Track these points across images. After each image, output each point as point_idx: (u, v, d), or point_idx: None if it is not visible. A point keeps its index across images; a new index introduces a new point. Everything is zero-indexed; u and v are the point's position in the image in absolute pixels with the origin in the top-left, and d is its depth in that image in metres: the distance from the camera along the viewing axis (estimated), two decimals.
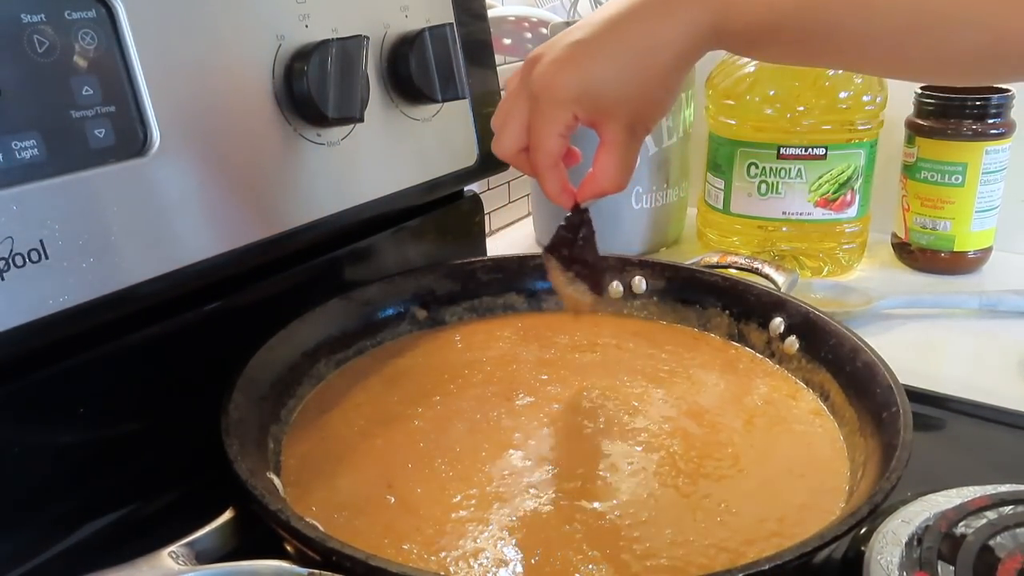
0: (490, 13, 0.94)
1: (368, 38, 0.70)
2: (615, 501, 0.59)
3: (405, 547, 0.55)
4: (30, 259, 0.52)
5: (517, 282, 0.86)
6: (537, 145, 0.64)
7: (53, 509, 0.59)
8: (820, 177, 1.09)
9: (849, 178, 1.10)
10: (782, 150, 1.09)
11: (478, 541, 0.55)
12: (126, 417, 0.64)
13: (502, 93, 0.96)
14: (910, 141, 1.13)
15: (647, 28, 0.58)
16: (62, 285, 0.54)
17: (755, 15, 0.56)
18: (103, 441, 0.62)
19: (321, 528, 0.50)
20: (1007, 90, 1.07)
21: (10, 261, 0.51)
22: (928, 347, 0.97)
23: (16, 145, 0.52)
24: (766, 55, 0.62)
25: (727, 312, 0.81)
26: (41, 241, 0.53)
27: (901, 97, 1.11)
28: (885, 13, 0.52)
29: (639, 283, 0.85)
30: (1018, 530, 0.55)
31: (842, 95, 1.07)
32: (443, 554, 0.54)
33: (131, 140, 0.58)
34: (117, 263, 0.57)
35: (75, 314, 0.55)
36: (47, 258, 0.53)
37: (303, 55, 0.67)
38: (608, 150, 0.63)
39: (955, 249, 1.13)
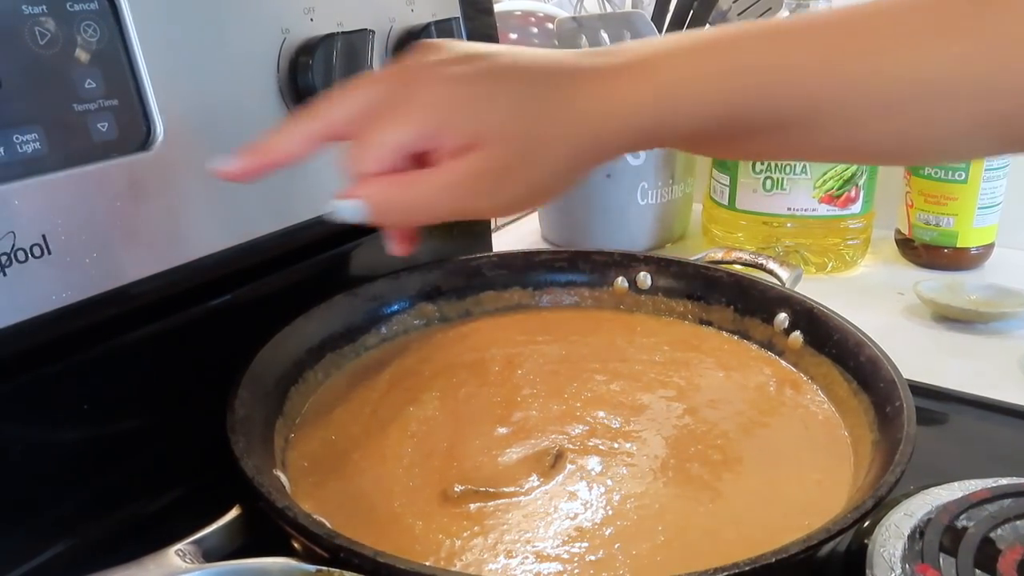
0: (496, 7, 0.94)
1: (374, 32, 0.70)
2: (618, 496, 0.59)
3: (414, 546, 0.55)
4: (32, 254, 0.52)
5: (523, 278, 0.86)
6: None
7: (58, 507, 0.59)
8: (825, 173, 1.09)
9: (853, 175, 1.10)
10: None
11: (487, 539, 0.55)
12: (131, 414, 0.63)
13: None
14: None
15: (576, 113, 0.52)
16: (65, 280, 0.54)
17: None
18: (108, 438, 0.62)
19: (329, 525, 0.49)
20: None
21: (12, 256, 0.51)
22: None
23: (17, 139, 0.51)
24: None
25: (732, 307, 0.81)
26: (43, 236, 0.53)
27: None
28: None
29: (644, 279, 0.85)
30: (1018, 522, 0.55)
31: None
32: (451, 552, 0.54)
33: (134, 134, 0.58)
34: (120, 258, 0.57)
35: (78, 310, 0.55)
36: (49, 253, 0.53)
37: (308, 49, 0.67)
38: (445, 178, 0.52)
39: (958, 245, 1.13)
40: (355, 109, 0.53)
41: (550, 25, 1.07)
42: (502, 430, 0.67)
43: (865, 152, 0.59)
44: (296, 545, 0.50)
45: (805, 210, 1.11)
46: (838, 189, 1.10)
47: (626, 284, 0.86)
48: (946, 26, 0.48)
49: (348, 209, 0.53)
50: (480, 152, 0.51)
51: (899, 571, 0.53)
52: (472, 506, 0.58)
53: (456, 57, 0.53)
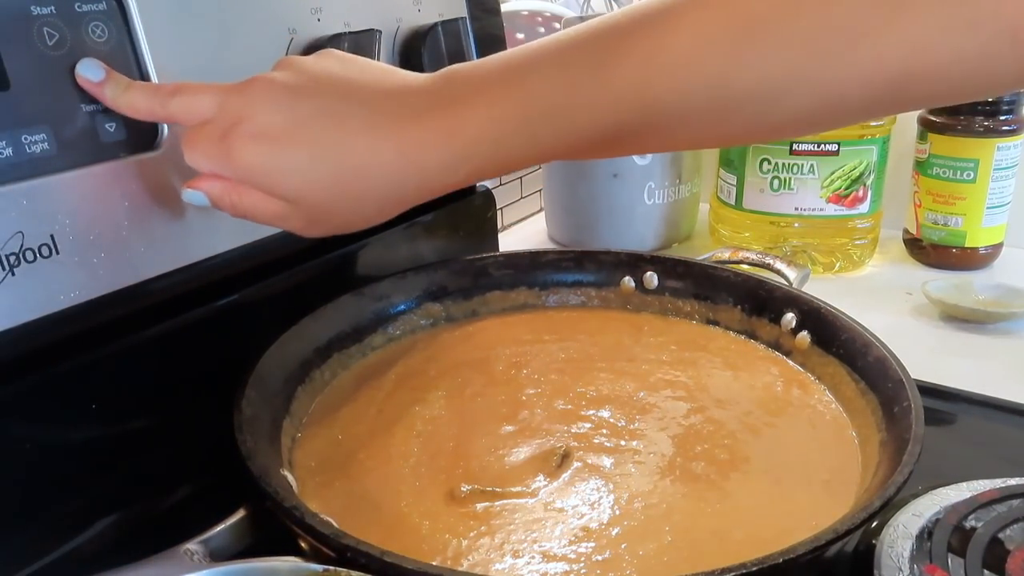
0: (503, 7, 0.94)
1: (380, 32, 0.70)
2: (625, 495, 0.59)
3: (421, 545, 0.55)
4: (40, 254, 0.52)
5: (529, 278, 0.86)
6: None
7: (66, 506, 0.59)
8: (832, 173, 1.09)
9: (861, 174, 1.09)
10: (795, 146, 1.09)
11: (494, 539, 0.55)
12: (138, 414, 0.63)
13: None
14: (922, 137, 1.12)
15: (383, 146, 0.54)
16: (73, 280, 0.54)
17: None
18: (116, 438, 0.62)
19: (335, 524, 0.49)
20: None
21: (20, 256, 0.51)
22: None
23: (26, 139, 0.52)
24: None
25: (739, 307, 0.81)
26: (51, 236, 0.53)
27: None
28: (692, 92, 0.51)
29: (651, 278, 0.85)
30: None
31: None
32: (458, 552, 0.54)
33: (142, 134, 0.58)
34: (128, 258, 0.57)
35: (86, 310, 0.55)
36: (57, 253, 0.53)
37: (315, 49, 0.66)
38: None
39: (966, 245, 1.13)
40: (198, 115, 0.55)
41: (557, 25, 1.08)
42: (508, 429, 0.67)
43: (707, 143, 0.62)
44: (303, 545, 0.50)
45: (813, 210, 1.11)
46: (846, 189, 1.10)
47: (633, 284, 0.86)
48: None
49: (192, 197, 0.56)
50: (286, 204, 0.55)
51: (907, 572, 0.53)
52: (479, 506, 0.58)
53: (288, 87, 0.54)
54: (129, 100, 0.55)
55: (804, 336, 0.75)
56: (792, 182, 1.10)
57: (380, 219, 0.58)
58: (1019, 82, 0.48)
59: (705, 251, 0.91)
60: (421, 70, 0.75)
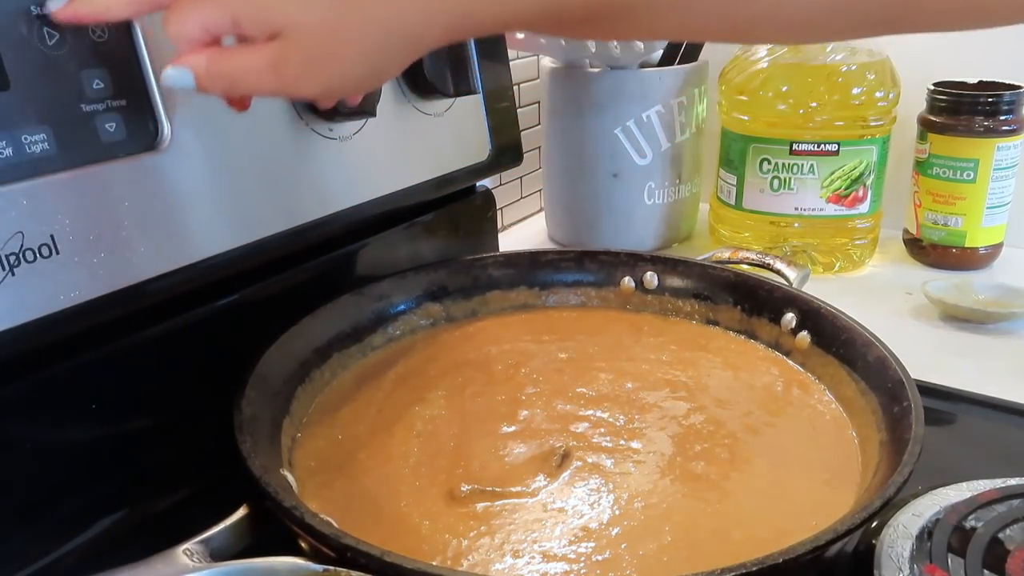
0: None
1: None
2: (625, 495, 0.59)
3: (421, 545, 0.55)
4: (40, 254, 0.52)
5: (529, 277, 0.86)
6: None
7: (66, 506, 0.59)
8: (832, 173, 1.09)
9: (861, 174, 1.09)
10: (795, 146, 1.08)
11: (494, 539, 0.55)
12: (138, 413, 0.63)
13: (515, 88, 0.96)
14: (922, 137, 1.12)
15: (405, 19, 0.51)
16: (73, 280, 0.54)
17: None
18: (116, 438, 0.62)
19: (335, 524, 0.50)
20: (1019, 87, 1.07)
21: (20, 256, 0.51)
22: None
23: (26, 139, 0.52)
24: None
25: (739, 307, 0.81)
26: (52, 236, 0.53)
27: (914, 93, 1.11)
28: None
29: (651, 278, 0.85)
30: None
31: (855, 91, 1.06)
32: (458, 552, 0.54)
33: (142, 134, 0.58)
34: (128, 258, 0.57)
35: (86, 310, 0.55)
36: (57, 253, 0.53)
37: None
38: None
39: (966, 245, 1.13)
40: None
41: None
42: (508, 429, 0.67)
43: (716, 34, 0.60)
44: (303, 544, 0.50)
45: (812, 210, 1.11)
46: (846, 189, 1.10)
47: (633, 284, 0.86)
48: None
49: (176, 76, 0.52)
50: (281, 42, 0.50)
51: (907, 571, 0.53)
52: (479, 506, 0.58)
53: None
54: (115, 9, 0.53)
55: (804, 336, 0.75)
56: (792, 182, 1.10)
57: (383, 65, 0.53)
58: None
59: (705, 251, 0.91)
60: (421, 70, 0.75)
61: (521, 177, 1.34)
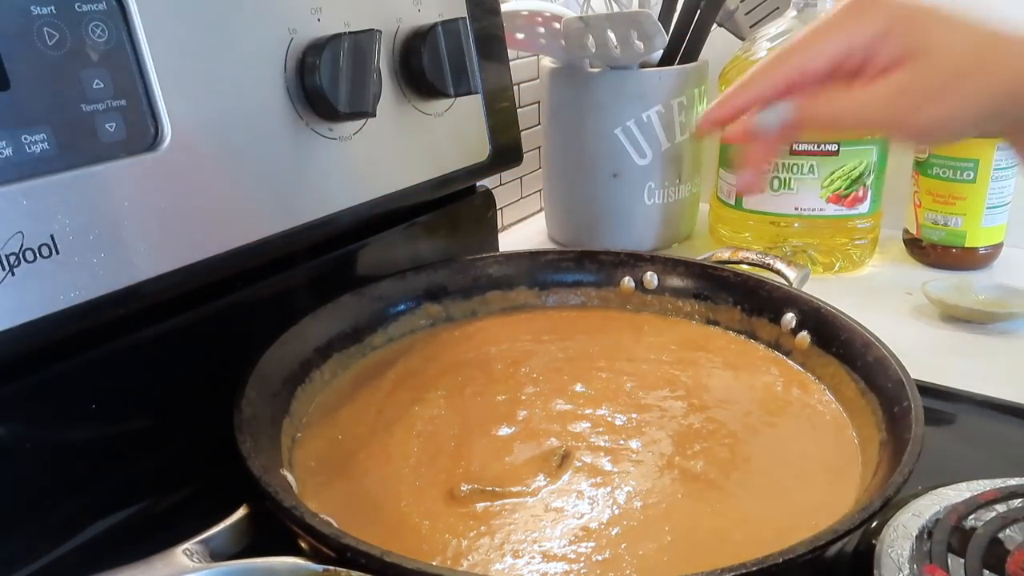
0: (503, 7, 0.94)
1: (380, 32, 0.70)
2: (625, 495, 0.59)
3: (421, 545, 0.55)
4: (40, 254, 0.52)
5: (529, 277, 0.86)
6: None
7: (66, 506, 0.59)
8: (832, 173, 1.09)
9: (861, 174, 1.09)
10: (795, 146, 1.08)
11: (494, 539, 0.55)
12: (138, 413, 0.63)
13: (514, 88, 0.96)
14: None
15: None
16: (73, 280, 0.54)
17: None
18: (115, 438, 0.62)
19: (335, 524, 0.49)
20: None
21: (20, 256, 0.51)
22: None
23: (26, 139, 0.52)
24: None
25: (739, 307, 0.81)
26: (51, 236, 0.53)
27: None
28: None
29: (651, 279, 0.85)
30: None
31: None
32: (458, 552, 0.54)
33: (142, 134, 0.58)
34: (128, 258, 0.57)
35: (86, 310, 0.55)
36: (57, 253, 0.53)
37: (315, 49, 0.66)
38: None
39: (966, 245, 1.13)
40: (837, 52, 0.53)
41: (557, 25, 1.07)
42: (508, 429, 0.67)
43: None
44: (303, 544, 0.50)
45: (813, 210, 1.11)
46: (846, 189, 1.10)
47: (633, 284, 0.86)
48: None
49: (772, 112, 0.55)
50: (912, 65, 0.50)
51: (907, 571, 0.53)
52: (479, 506, 0.58)
53: None
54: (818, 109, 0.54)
55: (804, 336, 0.75)
56: (792, 182, 1.10)
57: (990, 110, 0.51)
58: None
59: (705, 251, 0.91)
60: (421, 70, 0.75)
61: (521, 177, 1.34)
